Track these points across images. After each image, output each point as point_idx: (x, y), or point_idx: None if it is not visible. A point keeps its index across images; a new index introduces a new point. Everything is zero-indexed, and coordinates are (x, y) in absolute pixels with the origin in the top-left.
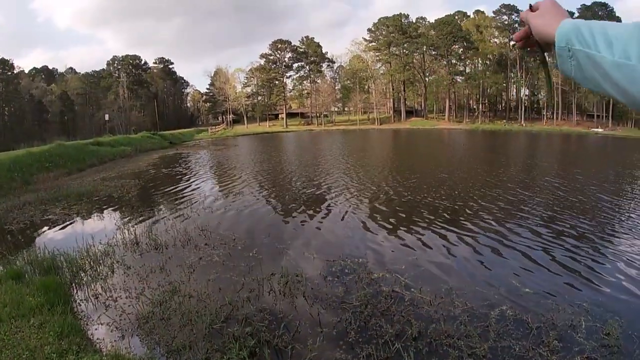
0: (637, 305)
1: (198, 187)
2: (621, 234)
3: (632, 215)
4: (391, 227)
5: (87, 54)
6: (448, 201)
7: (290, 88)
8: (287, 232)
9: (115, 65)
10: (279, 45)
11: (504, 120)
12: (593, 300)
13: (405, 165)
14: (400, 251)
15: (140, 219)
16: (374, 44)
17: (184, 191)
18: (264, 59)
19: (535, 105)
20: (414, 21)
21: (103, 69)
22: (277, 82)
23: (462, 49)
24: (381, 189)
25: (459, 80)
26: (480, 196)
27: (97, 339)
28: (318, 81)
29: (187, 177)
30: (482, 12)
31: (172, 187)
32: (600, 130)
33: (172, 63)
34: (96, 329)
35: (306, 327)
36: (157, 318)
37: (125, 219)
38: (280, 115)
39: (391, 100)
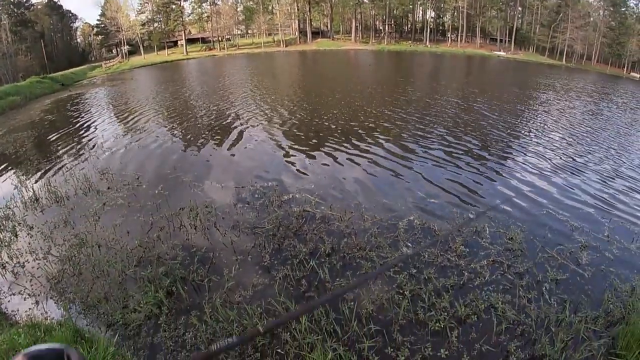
0: (537, 212)
1: (95, 129)
2: (517, 148)
3: (527, 131)
4: (300, 149)
5: None
6: (354, 122)
7: (189, 12)
8: (193, 165)
9: None
10: None
11: (410, 42)
12: (495, 207)
13: (312, 88)
14: (309, 172)
15: (38, 173)
16: None
17: (81, 135)
18: None
19: (440, 28)
20: None
21: None
22: (174, 6)
23: None
24: (288, 113)
25: (365, 1)
26: (385, 116)
27: (12, 312)
28: (218, 3)
29: (82, 119)
30: None
31: (68, 133)
32: (502, 53)
33: None
34: (9, 301)
35: (221, 258)
36: (68, 275)
37: (22, 176)
38: (179, 42)
39: (296, 21)
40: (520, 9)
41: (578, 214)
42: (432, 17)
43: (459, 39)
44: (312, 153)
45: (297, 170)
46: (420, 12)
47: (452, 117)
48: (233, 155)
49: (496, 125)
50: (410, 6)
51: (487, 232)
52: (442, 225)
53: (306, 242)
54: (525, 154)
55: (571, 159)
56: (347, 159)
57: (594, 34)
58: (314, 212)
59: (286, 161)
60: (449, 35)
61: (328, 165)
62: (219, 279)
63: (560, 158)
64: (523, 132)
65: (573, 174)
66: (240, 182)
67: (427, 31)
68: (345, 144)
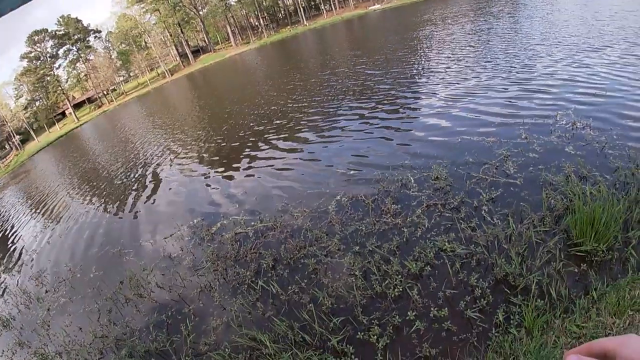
0: (452, 144)
1: (15, 236)
2: (412, 94)
3: (416, 74)
4: (212, 174)
5: None
6: (254, 128)
7: (65, 78)
8: (117, 233)
9: None
10: (35, 37)
11: (289, 27)
12: (411, 155)
13: (206, 109)
14: (228, 194)
15: None
16: None
17: (3, 249)
18: (26, 60)
19: (312, 3)
20: None
21: None
22: (48, 78)
23: None
24: (191, 142)
25: (232, 3)
26: (282, 111)
27: None
28: (91, 58)
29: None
30: None
31: None
32: (377, 6)
33: None
34: None
35: (174, 316)
36: None
37: None
38: (67, 112)
39: (173, 47)
40: None
41: (490, 130)
42: None
43: (333, 8)
44: (225, 174)
45: (217, 196)
46: None
47: (345, 88)
48: (152, 205)
49: (386, 80)
50: None
51: (412, 181)
52: (368, 193)
53: (248, 264)
54: (422, 97)
55: (465, 84)
56: (260, 167)
57: None
58: (246, 231)
59: (203, 191)
60: (322, 8)
61: (244, 180)
62: (179, 338)
63: (455, 87)
64: (412, 76)
65: (472, 96)
66: (167, 230)
67: (301, 11)
68: (252, 154)
